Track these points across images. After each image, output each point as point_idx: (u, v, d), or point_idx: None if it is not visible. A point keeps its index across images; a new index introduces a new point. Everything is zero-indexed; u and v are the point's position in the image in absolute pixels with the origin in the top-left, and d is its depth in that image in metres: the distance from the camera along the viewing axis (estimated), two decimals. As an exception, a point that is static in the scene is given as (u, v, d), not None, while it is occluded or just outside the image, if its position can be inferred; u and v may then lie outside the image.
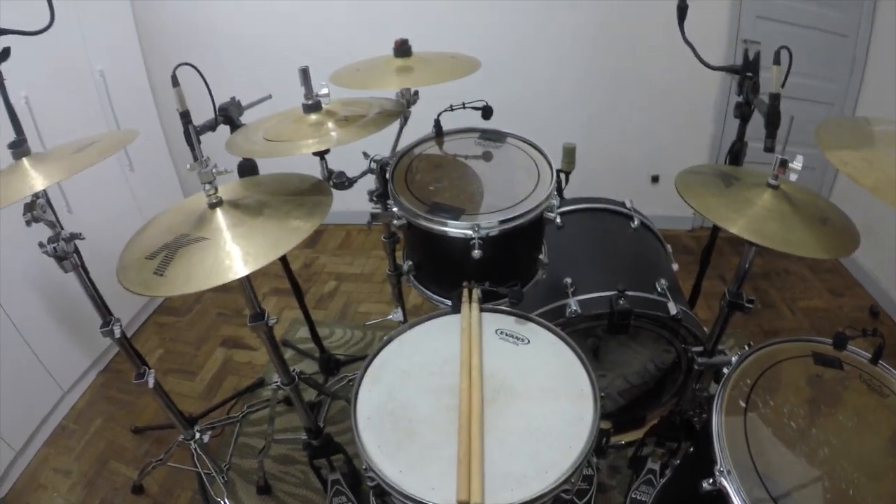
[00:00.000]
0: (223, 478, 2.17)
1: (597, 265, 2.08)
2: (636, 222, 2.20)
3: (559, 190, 2.41)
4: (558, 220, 2.15)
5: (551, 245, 1.94)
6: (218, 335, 3.23)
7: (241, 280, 1.48)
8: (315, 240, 3.95)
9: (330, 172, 1.81)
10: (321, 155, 1.80)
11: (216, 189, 1.42)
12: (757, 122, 1.65)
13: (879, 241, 3.24)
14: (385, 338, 1.56)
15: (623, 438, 2.28)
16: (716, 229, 2.19)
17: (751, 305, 1.60)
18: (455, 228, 1.59)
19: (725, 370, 1.44)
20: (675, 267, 2.21)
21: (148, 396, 2.07)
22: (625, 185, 2.45)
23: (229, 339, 3.20)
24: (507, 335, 1.54)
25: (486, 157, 1.87)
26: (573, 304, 1.85)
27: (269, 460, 2.46)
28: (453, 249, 1.65)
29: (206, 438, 2.11)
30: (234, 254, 1.30)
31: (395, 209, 1.70)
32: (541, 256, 1.79)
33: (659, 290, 1.89)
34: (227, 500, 2.13)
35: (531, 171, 1.77)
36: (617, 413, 2.25)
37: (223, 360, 3.06)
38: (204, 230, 1.37)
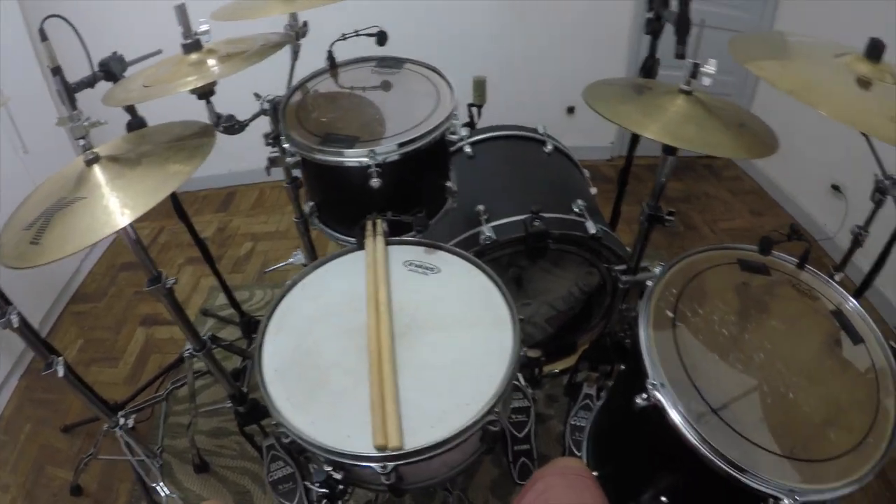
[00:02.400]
0: (157, 462, 2.01)
1: (510, 191, 1.97)
2: (549, 147, 2.09)
3: (471, 124, 2.29)
4: (468, 149, 2.03)
5: (463, 176, 1.82)
6: (136, 315, 3.01)
7: (132, 241, 1.38)
8: (228, 202, 3.73)
9: (218, 117, 1.63)
10: (206, 98, 1.62)
11: (91, 145, 1.26)
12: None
13: (796, 163, 3.27)
14: (287, 283, 1.41)
15: (556, 367, 2.21)
16: (632, 150, 2.10)
17: (671, 218, 1.53)
18: (350, 157, 1.45)
19: (650, 283, 1.35)
20: (594, 191, 2.12)
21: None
22: (540, 117, 2.34)
23: (148, 316, 2.98)
24: (416, 266, 1.42)
25: (385, 86, 1.72)
26: (487, 230, 1.73)
27: (202, 436, 2.31)
28: (351, 181, 1.51)
29: (130, 423, 1.93)
30: (112, 207, 1.15)
31: (286, 146, 1.53)
32: (449, 184, 1.66)
33: (576, 210, 1.80)
34: (162, 485, 1.97)
35: (431, 95, 1.63)
36: (547, 341, 2.18)
37: (144, 339, 2.85)
38: (81, 189, 1.21)
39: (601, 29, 3.37)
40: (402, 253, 1.46)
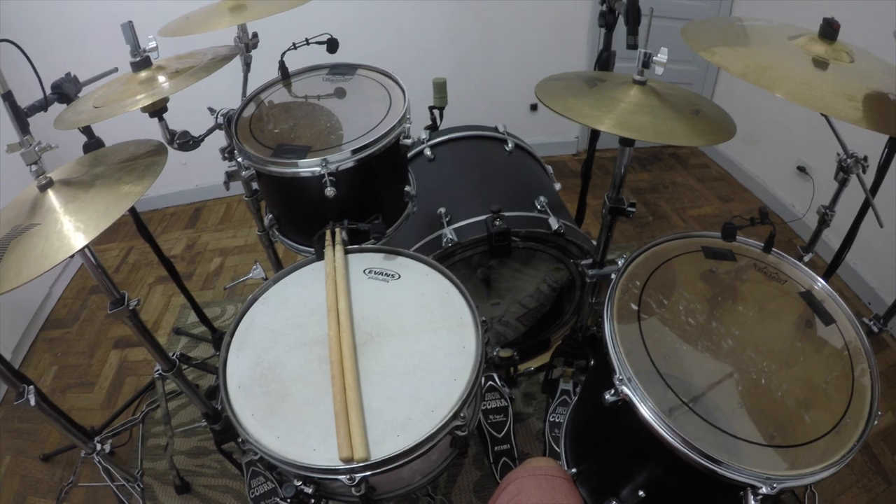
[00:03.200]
0: (139, 485, 1.97)
1: (472, 192, 1.96)
2: (510, 145, 2.09)
3: (433, 127, 2.27)
4: (428, 152, 2.02)
5: (425, 179, 1.81)
6: (109, 338, 2.95)
7: (91, 265, 1.35)
8: (195, 218, 3.68)
9: (172, 134, 1.60)
10: (159, 115, 1.60)
11: (43, 170, 1.24)
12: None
13: (761, 147, 3.29)
14: (249, 298, 1.39)
15: (532, 364, 2.21)
16: (593, 143, 2.10)
17: (632, 209, 1.52)
18: (303, 168, 1.42)
19: (613, 276, 1.33)
20: (558, 186, 2.12)
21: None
22: (503, 116, 2.33)
23: (121, 339, 2.93)
24: (376, 273, 1.40)
25: (339, 93, 1.70)
26: (449, 232, 1.72)
27: (182, 456, 2.27)
28: (307, 192, 1.49)
29: (107, 448, 1.89)
30: (66, 231, 1.12)
31: (240, 160, 1.51)
32: (408, 189, 1.65)
33: (539, 207, 1.79)
34: (144, 509, 1.94)
35: (383, 100, 1.61)
36: (520, 340, 2.17)
37: (118, 362, 2.80)
38: (35, 216, 1.18)
39: (560, 24, 3.37)
40: (362, 261, 1.44)
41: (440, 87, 2.11)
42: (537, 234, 1.74)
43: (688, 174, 3.64)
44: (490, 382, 1.94)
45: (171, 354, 1.68)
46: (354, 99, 1.68)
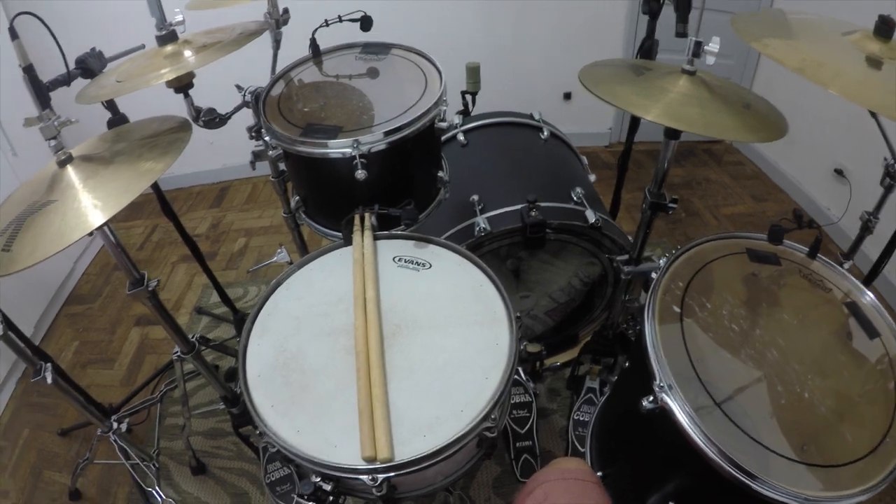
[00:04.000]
0: (154, 465, 1.93)
1: (506, 180, 1.87)
2: (546, 133, 2.00)
3: (465, 112, 2.19)
4: (461, 137, 1.94)
5: (456, 165, 1.72)
6: (131, 315, 2.92)
7: (110, 243, 1.30)
8: (221, 197, 3.64)
9: (198, 111, 1.54)
10: (185, 91, 1.54)
11: (62, 145, 1.17)
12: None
13: (799, 147, 3.16)
14: (272, 282, 1.32)
15: (559, 360, 2.11)
16: (631, 135, 2.00)
17: (674, 206, 1.44)
18: (334, 149, 1.35)
19: (654, 275, 1.25)
20: (593, 178, 2.03)
21: (70, 394, 1.80)
22: (536, 104, 2.24)
23: (143, 317, 2.90)
24: (406, 262, 1.33)
25: (371, 73, 1.62)
26: (482, 221, 1.64)
27: (199, 437, 2.24)
28: (336, 174, 1.41)
29: (124, 427, 1.85)
30: (83, 208, 1.07)
31: (268, 139, 1.44)
32: (441, 174, 1.57)
33: (575, 199, 1.71)
34: (157, 490, 1.89)
35: (418, 81, 1.53)
36: (548, 334, 2.09)
37: (139, 340, 2.77)
38: (54, 192, 1.13)
39: (597, 11, 3.26)
40: (392, 248, 1.37)
41: (473, 72, 1.98)
42: (572, 227, 1.66)
43: (722, 171, 3.52)
44: (515, 376, 1.88)
45: (190, 336, 1.63)
46: (388, 79, 1.60)
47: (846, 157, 2.84)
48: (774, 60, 1.12)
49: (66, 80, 1.60)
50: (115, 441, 1.81)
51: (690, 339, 1.15)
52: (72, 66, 1.52)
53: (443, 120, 1.40)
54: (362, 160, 1.30)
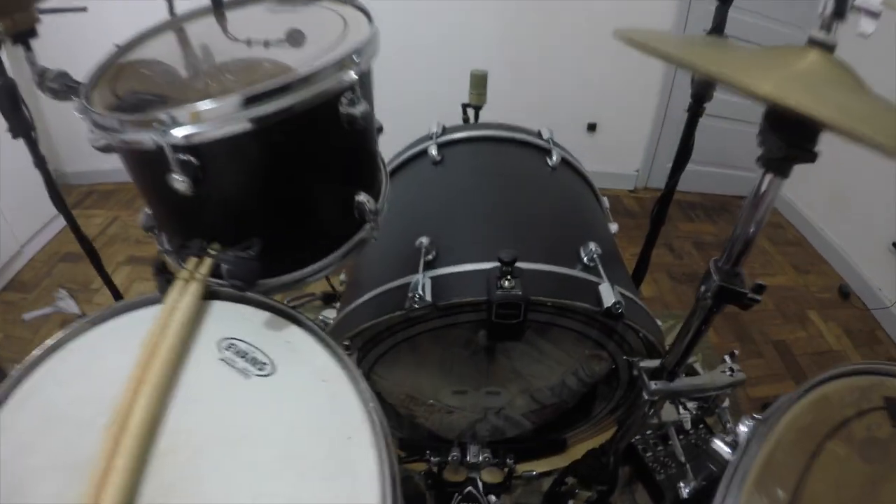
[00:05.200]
0: None
1: (482, 220, 1.15)
2: (555, 159, 1.29)
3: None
4: (434, 151, 1.25)
5: (417, 189, 1.05)
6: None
7: None
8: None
9: (42, 73, 0.87)
10: (23, 41, 0.92)
11: None
12: None
13: (850, 212, 2.52)
14: (50, 343, 0.67)
15: (535, 468, 1.40)
16: (677, 172, 1.32)
17: (758, 298, 0.74)
18: (131, 133, 0.65)
19: (727, 452, 0.56)
20: (615, 228, 1.32)
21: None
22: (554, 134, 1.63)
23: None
24: (237, 354, 0.64)
25: (281, 29, 0.92)
26: (421, 284, 0.90)
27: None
28: (153, 175, 0.70)
29: None
30: None
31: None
32: (362, 199, 0.84)
33: (586, 260, 0.99)
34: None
35: (332, 33, 0.83)
36: (524, 436, 1.38)
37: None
38: None
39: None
40: (228, 322, 0.68)
41: (479, 81, 1.64)
42: (576, 309, 0.95)
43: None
44: (469, 489, 1.20)
45: None
46: (296, 37, 0.90)
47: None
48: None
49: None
50: None
51: None
52: None
53: (356, 101, 0.71)
54: (184, 156, 0.63)
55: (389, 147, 1.38)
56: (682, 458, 1.29)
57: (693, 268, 2.50)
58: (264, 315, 0.69)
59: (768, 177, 0.69)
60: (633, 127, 2.83)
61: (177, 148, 0.62)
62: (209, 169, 0.66)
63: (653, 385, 0.89)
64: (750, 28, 2.49)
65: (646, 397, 0.91)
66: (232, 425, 0.57)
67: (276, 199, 0.74)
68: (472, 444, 1.23)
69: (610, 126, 2.79)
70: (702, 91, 1.23)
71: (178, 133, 0.61)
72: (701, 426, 1.56)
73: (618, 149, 2.87)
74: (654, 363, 0.92)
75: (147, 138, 0.62)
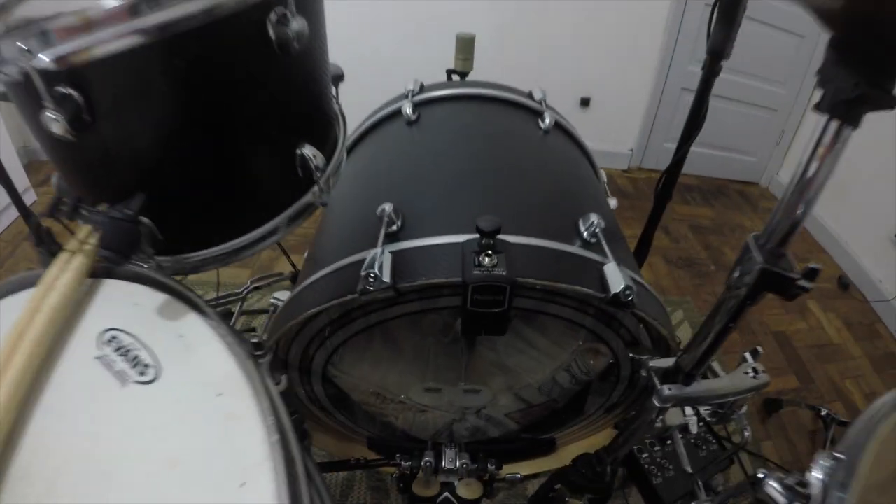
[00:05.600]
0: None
1: (461, 185, 0.92)
2: (548, 121, 1.10)
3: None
4: (409, 109, 1.06)
5: (388, 153, 0.86)
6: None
7: None
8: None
9: None
10: None
11: None
12: None
13: (851, 202, 2.39)
14: None
15: (520, 470, 1.22)
16: (686, 142, 1.14)
17: (808, 285, 0.56)
18: None
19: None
20: (614, 203, 1.14)
21: None
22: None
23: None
24: (118, 352, 0.44)
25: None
26: (378, 261, 0.68)
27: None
28: (33, 117, 0.48)
29: None
30: None
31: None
32: (305, 152, 0.64)
33: (585, 235, 0.80)
34: None
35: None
36: (508, 437, 1.20)
37: None
38: None
39: (636, 9, 2.39)
40: (114, 307, 0.49)
41: (465, 46, 1.50)
42: (576, 295, 0.76)
43: (757, 218, 2.67)
44: (445, 494, 1.04)
45: None
46: None
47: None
48: None
49: None
50: None
51: None
52: None
53: (288, 18, 0.52)
54: (61, 88, 0.44)
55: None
56: (689, 468, 1.13)
57: (690, 252, 2.34)
58: (160, 299, 0.50)
59: (833, 125, 0.51)
60: (627, 104, 2.66)
61: (48, 76, 0.44)
62: (96, 105, 0.48)
63: (666, 390, 0.72)
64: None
65: (656, 404, 0.74)
66: (94, 453, 0.39)
67: (187, 145, 0.56)
68: (448, 447, 1.06)
69: (604, 102, 2.61)
70: (719, 46, 1.05)
71: (48, 56, 0.43)
72: (700, 423, 1.41)
73: (612, 126, 2.70)
74: (667, 363, 0.75)
75: (10, 67, 0.43)
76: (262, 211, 0.66)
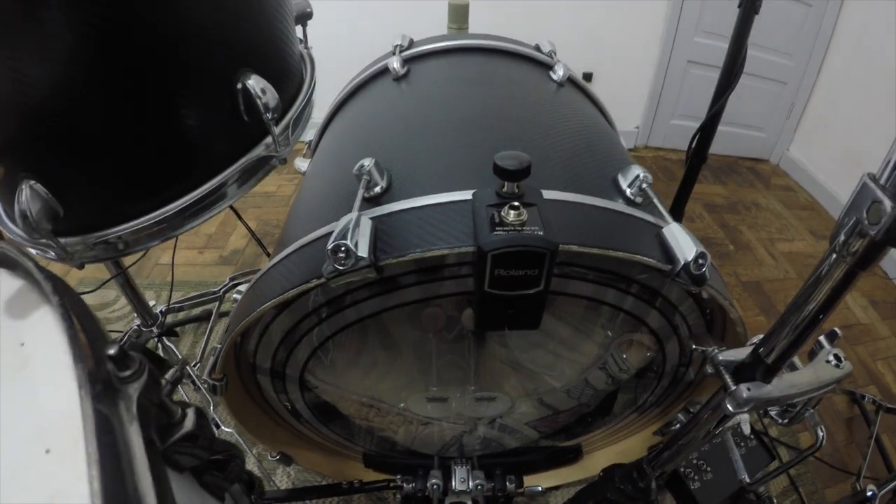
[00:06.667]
0: None
1: (463, 130, 0.69)
2: (561, 74, 0.90)
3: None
4: (396, 65, 0.86)
5: (373, 110, 0.68)
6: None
7: None
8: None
9: None
10: None
11: None
12: None
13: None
14: None
15: (541, 482, 1.03)
16: (723, 90, 0.95)
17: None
18: None
19: None
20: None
21: None
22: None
23: None
24: None
25: None
26: (352, 231, 0.45)
27: None
28: None
29: None
30: None
31: None
32: (250, 84, 0.44)
33: (629, 193, 0.60)
34: None
35: None
36: (526, 448, 1.01)
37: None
38: None
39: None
40: None
41: (459, 13, 1.44)
42: (635, 264, 0.55)
43: (770, 195, 2.48)
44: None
45: None
46: None
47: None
48: None
49: None
50: None
51: None
52: None
53: None
54: None
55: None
56: (746, 477, 0.93)
57: (707, 231, 2.15)
58: (15, 285, 0.31)
59: None
60: (632, 79, 2.46)
61: None
62: None
63: (745, 391, 0.53)
64: None
65: (730, 409, 0.55)
66: None
67: (82, 76, 0.37)
68: (458, 463, 0.87)
69: (607, 77, 2.41)
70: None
71: None
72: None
73: (616, 103, 2.47)
74: (740, 355, 0.56)
75: None
76: (199, 167, 0.47)
